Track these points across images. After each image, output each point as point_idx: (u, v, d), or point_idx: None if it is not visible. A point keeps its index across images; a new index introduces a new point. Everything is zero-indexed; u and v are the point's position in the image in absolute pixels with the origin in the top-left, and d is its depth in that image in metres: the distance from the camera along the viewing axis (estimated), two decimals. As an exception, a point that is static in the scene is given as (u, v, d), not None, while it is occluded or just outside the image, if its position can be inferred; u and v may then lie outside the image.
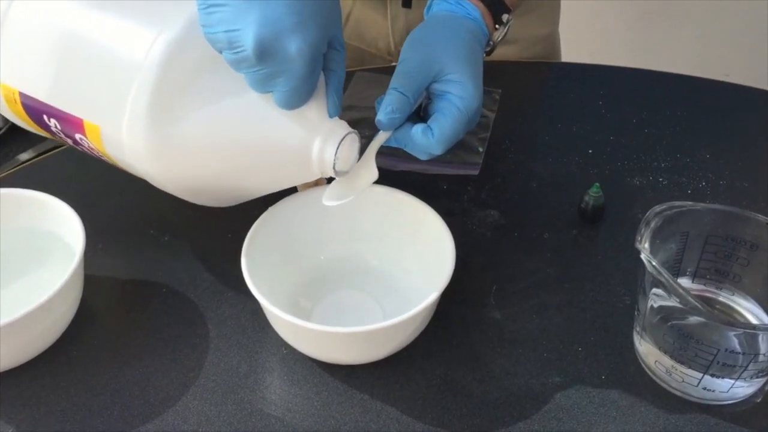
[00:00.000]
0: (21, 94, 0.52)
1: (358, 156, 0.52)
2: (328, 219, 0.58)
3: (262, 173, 0.51)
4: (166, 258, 0.61)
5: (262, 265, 0.53)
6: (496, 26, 0.61)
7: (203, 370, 0.53)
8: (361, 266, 0.59)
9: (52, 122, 0.52)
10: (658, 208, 0.50)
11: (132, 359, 0.54)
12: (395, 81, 0.52)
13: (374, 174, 0.52)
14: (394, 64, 0.88)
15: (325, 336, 0.49)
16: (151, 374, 0.53)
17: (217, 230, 0.63)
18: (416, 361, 0.53)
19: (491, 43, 0.61)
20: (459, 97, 0.52)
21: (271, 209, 0.56)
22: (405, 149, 0.53)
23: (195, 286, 0.59)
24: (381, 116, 0.51)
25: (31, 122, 0.54)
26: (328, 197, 0.52)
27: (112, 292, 0.59)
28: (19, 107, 0.53)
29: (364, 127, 0.73)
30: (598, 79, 0.80)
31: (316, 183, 0.66)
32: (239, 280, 0.58)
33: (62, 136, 0.53)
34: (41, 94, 0.52)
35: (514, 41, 0.83)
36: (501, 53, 0.78)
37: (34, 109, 0.53)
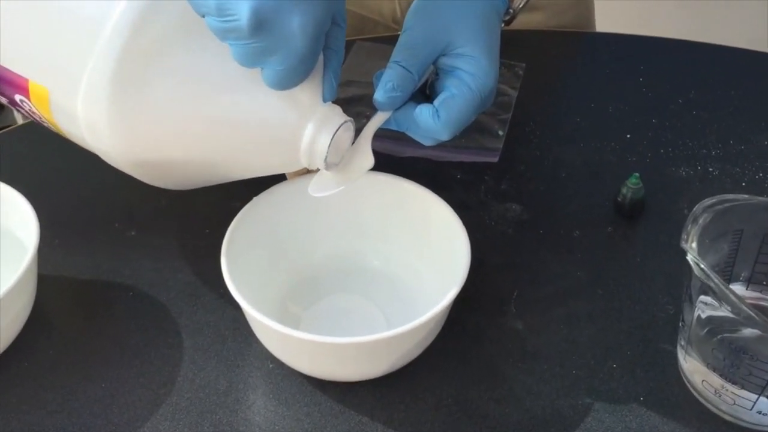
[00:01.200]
0: None
1: (350, 145, 0.52)
2: (323, 212, 0.58)
3: (239, 160, 0.51)
4: (133, 255, 0.61)
5: (246, 264, 0.53)
6: None
7: (176, 386, 0.53)
8: (360, 267, 0.59)
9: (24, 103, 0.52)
10: (707, 202, 0.50)
11: (93, 373, 0.54)
12: (397, 54, 0.52)
13: (370, 161, 0.52)
14: (400, 33, 0.88)
15: (319, 347, 0.49)
16: (116, 390, 0.53)
17: (193, 224, 0.63)
18: (424, 378, 0.53)
19: (511, 11, 0.61)
20: (471, 74, 0.52)
21: (255, 200, 0.56)
22: (407, 133, 0.53)
23: (167, 289, 0.59)
24: (379, 94, 0.51)
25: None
26: (315, 187, 0.52)
27: (71, 294, 0.59)
28: None
29: (364, 105, 0.73)
30: (639, 52, 0.80)
31: (308, 170, 0.66)
32: (218, 281, 0.58)
33: None
34: None
35: (541, 7, 0.82)
36: (525, 21, 0.78)
37: None
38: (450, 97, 0.51)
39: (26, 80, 0.50)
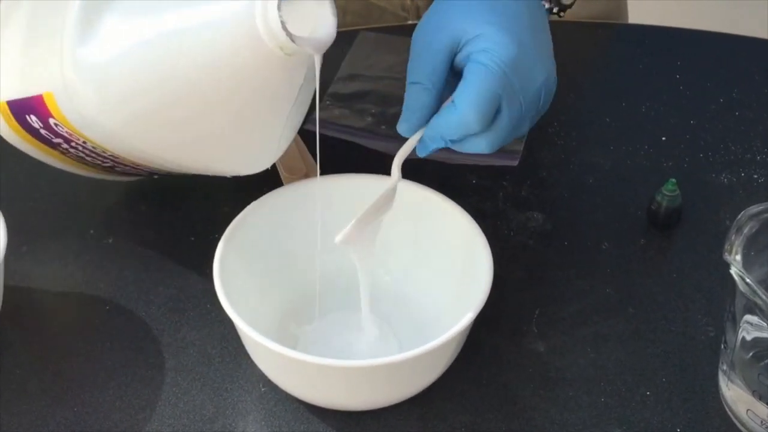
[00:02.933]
0: (8, 102, 0.56)
1: (333, 21, 0.51)
2: (326, 220, 0.58)
3: (215, 71, 0.50)
4: (110, 266, 0.61)
5: (240, 276, 0.53)
6: None
7: (156, 411, 0.53)
8: (371, 283, 0.59)
9: (33, 119, 0.55)
10: (753, 210, 0.50)
11: (65, 395, 0.54)
12: (408, 68, 0.52)
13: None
14: (410, 22, 0.88)
15: (324, 371, 0.49)
16: (89, 415, 0.53)
17: (177, 231, 0.63)
18: (435, 405, 0.53)
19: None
20: (483, 50, 0.51)
21: (252, 206, 0.56)
22: (444, 143, 0.53)
23: (147, 303, 0.59)
24: (402, 126, 0.53)
25: (28, 136, 0.58)
26: (343, 237, 0.52)
27: (40, 308, 0.59)
28: (12, 118, 0.57)
29: (369, 101, 0.73)
30: (675, 46, 0.80)
31: (306, 175, 0.66)
32: (205, 295, 0.59)
33: (51, 136, 0.56)
34: (13, 90, 0.55)
35: None
36: (551, 11, 0.78)
37: (16, 110, 0.56)
38: (464, 82, 0.51)
39: (41, 96, 0.53)
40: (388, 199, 0.53)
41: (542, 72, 0.53)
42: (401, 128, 0.53)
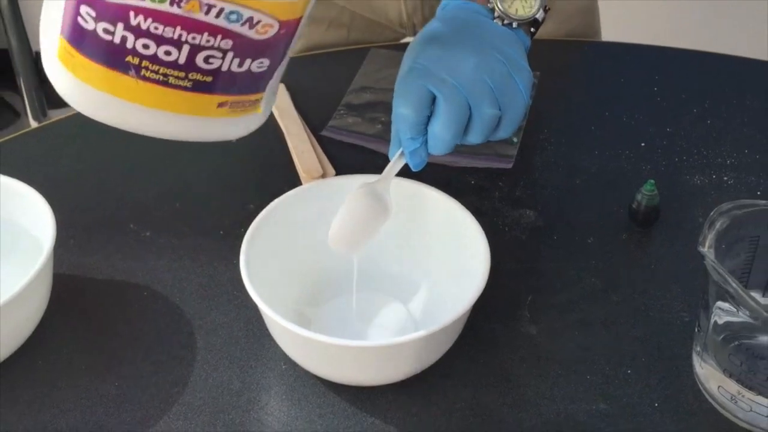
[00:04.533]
0: (61, 30, 0.47)
1: None
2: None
3: None
4: (148, 256, 0.61)
5: (263, 266, 0.53)
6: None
7: (189, 386, 0.53)
8: (378, 271, 0.59)
9: (84, 12, 0.46)
10: (724, 207, 0.50)
11: (106, 372, 0.54)
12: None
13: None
14: (406, 39, 0.88)
15: (340, 351, 0.49)
16: (129, 389, 0.53)
17: (207, 226, 0.64)
18: (437, 382, 0.54)
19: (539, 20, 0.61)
20: (412, 59, 0.53)
21: (275, 202, 0.56)
22: (416, 144, 0.54)
23: (181, 289, 0.59)
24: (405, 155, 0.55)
25: (94, 64, 0.48)
26: (335, 241, 0.54)
27: (85, 294, 0.59)
28: (73, 50, 0.48)
29: (379, 111, 0.73)
30: (654, 62, 0.81)
31: (323, 175, 0.66)
32: (232, 283, 0.59)
33: (110, 34, 0.47)
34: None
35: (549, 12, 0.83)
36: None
37: (70, 23, 0.47)
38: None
39: None
40: (378, 212, 0.54)
41: (471, 57, 0.53)
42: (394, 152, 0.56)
